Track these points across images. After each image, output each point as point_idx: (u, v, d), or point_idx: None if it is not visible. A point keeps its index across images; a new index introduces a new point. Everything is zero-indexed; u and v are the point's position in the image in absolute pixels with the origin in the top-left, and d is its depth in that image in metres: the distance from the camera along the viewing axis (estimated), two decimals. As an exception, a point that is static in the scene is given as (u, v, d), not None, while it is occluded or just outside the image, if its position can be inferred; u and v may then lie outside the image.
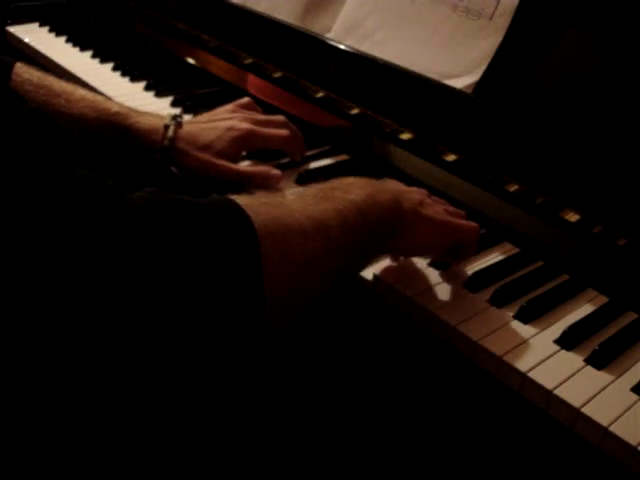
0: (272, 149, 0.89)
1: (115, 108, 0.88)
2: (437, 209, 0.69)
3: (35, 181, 0.40)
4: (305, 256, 0.52)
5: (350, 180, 0.63)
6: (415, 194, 0.69)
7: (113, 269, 0.41)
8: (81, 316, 0.40)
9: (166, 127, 0.84)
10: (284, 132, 0.88)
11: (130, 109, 0.89)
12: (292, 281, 0.51)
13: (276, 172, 0.84)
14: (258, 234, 0.47)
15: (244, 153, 0.89)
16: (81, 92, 0.90)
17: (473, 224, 0.72)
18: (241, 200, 0.50)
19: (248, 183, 0.83)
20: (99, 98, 0.91)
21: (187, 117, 0.89)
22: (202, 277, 0.44)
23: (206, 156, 0.82)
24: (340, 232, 0.55)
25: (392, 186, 0.68)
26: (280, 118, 0.90)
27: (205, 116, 0.90)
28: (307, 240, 0.52)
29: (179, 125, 0.85)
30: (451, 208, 0.74)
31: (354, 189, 0.60)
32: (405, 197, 0.65)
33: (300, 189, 0.59)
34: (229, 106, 0.91)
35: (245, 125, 0.85)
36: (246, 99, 0.93)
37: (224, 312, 0.45)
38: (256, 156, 0.90)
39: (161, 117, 0.87)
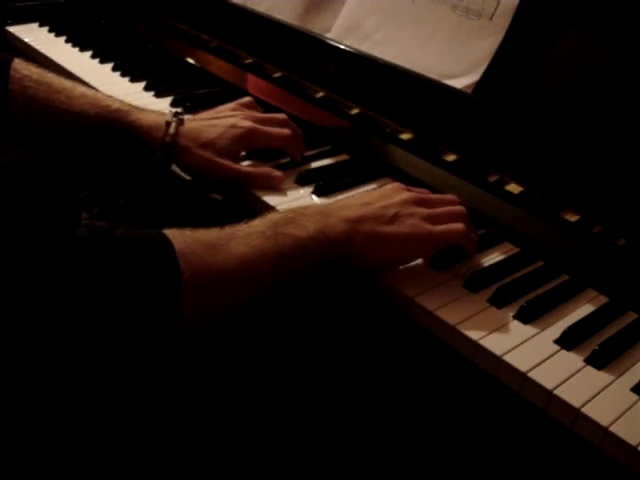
0: (272, 148, 0.89)
1: (116, 105, 0.88)
2: (412, 221, 0.69)
3: None
4: (226, 301, 0.58)
5: (310, 211, 0.66)
6: (390, 208, 0.69)
7: (47, 288, 0.49)
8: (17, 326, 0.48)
9: (168, 124, 0.84)
10: (285, 131, 0.88)
11: (131, 106, 0.89)
12: (208, 318, 0.57)
13: (278, 174, 0.85)
14: (182, 283, 0.54)
15: (243, 153, 0.89)
16: (81, 89, 0.90)
17: (456, 227, 0.71)
18: (178, 243, 0.55)
19: (249, 184, 0.84)
20: (100, 95, 0.91)
21: (187, 117, 0.89)
22: (121, 309, 0.52)
23: (208, 154, 0.83)
24: (273, 274, 0.60)
25: (356, 212, 0.68)
26: (281, 116, 0.91)
27: (207, 114, 0.90)
28: (234, 287, 0.58)
29: (181, 122, 0.85)
30: (439, 211, 0.72)
31: (307, 223, 0.64)
32: (362, 228, 0.66)
33: (257, 220, 0.64)
34: (231, 104, 0.91)
35: (247, 123, 0.86)
36: (247, 98, 0.93)
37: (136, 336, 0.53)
38: (256, 156, 0.90)
39: (162, 114, 0.87)
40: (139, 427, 0.75)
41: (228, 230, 0.61)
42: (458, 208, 0.74)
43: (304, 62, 1.03)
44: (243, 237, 0.60)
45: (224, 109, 0.90)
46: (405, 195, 0.72)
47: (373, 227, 0.67)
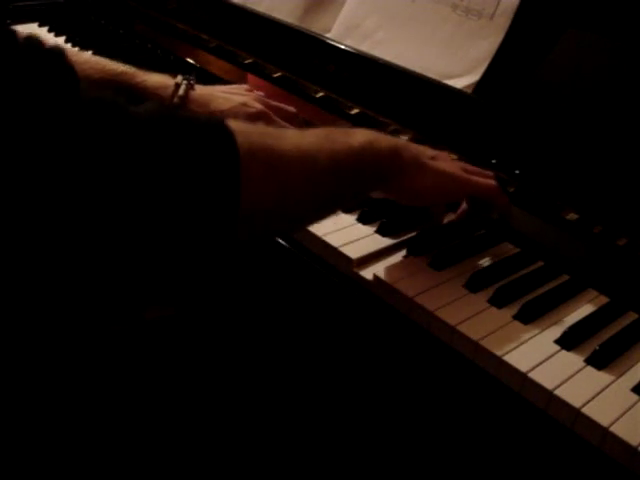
0: None
1: (121, 68, 0.88)
2: (451, 165, 0.71)
3: (44, 101, 0.44)
4: (286, 182, 0.55)
5: (356, 129, 0.66)
6: (430, 151, 0.72)
7: (113, 167, 0.46)
8: (83, 211, 0.45)
9: (177, 85, 0.84)
10: (290, 127, 0.90)
11: (136, 69, 0.89)
12: (269, 197, 0.54)
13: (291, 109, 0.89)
14: (240, 153, 0.51)
15: None
16: (85, 55, 0.90)
17: (489, 182, 0.74)
18: (236, 125, 0.53)
19: None
20: (103, 60, 0.90)
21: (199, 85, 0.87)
22: (185, 182, 0.48)
23: None
24: (327, 166, 0.59)
25: (401, 140, 0.71)
26: (291, 109, 0.93)
27: (219, 87, 0.90)
28: (291, 170, 0.56)
29: (191, 86, 0.84)
30: (471, 167, 0.75)
31: (356, 135, 0.64)
32: (409, 149, 0.68)
33: (306, 131, 0.62)
34: (245, 85, 0.92)
35: (259, 105, 0.87)
36: (261, 92, 0.94)
37: (202, 216, 0.49)
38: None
39: (170, 77, 0.86)
40: (139, 426, 0.75)
41: (279, 129, 0.62)
42: (491, 175, 0.76)
43: (304, 62, 1.03)
44: (297, 134, 0.60)
45: (238, 87, 0.91)
46: (444, 152, 0.74)
47: (418, 154, 0.69)
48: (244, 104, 0.86)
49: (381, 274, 0.72)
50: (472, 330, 0.65)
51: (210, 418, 0.90)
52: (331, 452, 0.94)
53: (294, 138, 0.58)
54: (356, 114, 0.96)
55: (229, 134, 0.51)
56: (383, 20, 1.00)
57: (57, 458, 0.65)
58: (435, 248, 0.76)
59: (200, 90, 0.86)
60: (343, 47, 0.98)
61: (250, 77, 1.12)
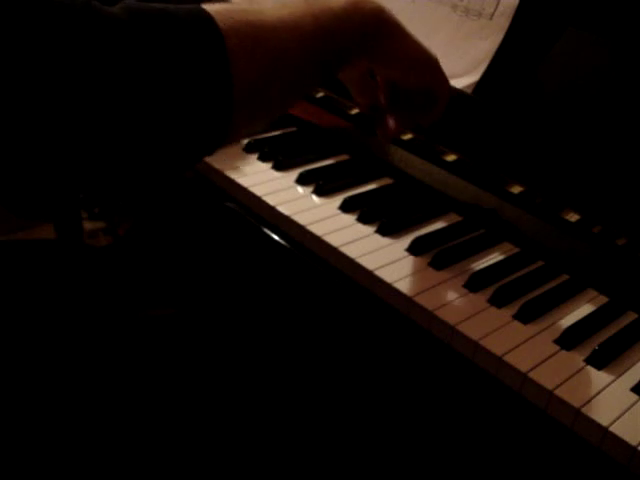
0: None
1: None
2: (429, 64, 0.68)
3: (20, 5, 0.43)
4: (274, 50, 0.55)
5: None
6: None
7: (92, 66, 0.44)
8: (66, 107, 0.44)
9: None
10: None
11: None
12: (261, 70, 0.54)
13: None
14: (223, 33, 0.51)
15: None
16: None
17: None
18: (214, 7, 0.52)
19: None
20: None
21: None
22: (173, 70, 0.48)
23: None
24: (312, 31, 0.58)
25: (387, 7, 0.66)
26: None
27: None
28: (278, 38, 0.55)
29: None
30: None
31: None
32: (394, 16, 0.65)
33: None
34: None
35: None
36: None
37: (195, 98, 0.49)
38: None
39: None
40: (140, 426, 0.75)
41: (257, 6, 0.59)
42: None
43: (304, 62, 1.03)
44: (277, 6, 0.58)
45: None
46: None
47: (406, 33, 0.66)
48: None
49: (380, 274, 0.72)
50: (472, 330, 0.65)
51: (210, 417, 0.90)
52: (331, 451, 0.94)
53: (274, 10, 0.57)
54: (356, 114, 0.96)
55: (209, 18, 0.51)
56: (383, 20, 1.00)
57: (56, 456, 0.65)
58: (435, 247, 0.76)
59: None
60: (343, 47, 0.98)
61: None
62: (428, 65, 0.69)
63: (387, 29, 0.65)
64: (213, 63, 0.50)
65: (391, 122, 0.76)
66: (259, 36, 0.54)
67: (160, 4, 0.51)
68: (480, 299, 0.70)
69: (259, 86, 0.54)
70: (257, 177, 0.88)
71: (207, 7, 0.52)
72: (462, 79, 0.89)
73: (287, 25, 0.56)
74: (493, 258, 0.77)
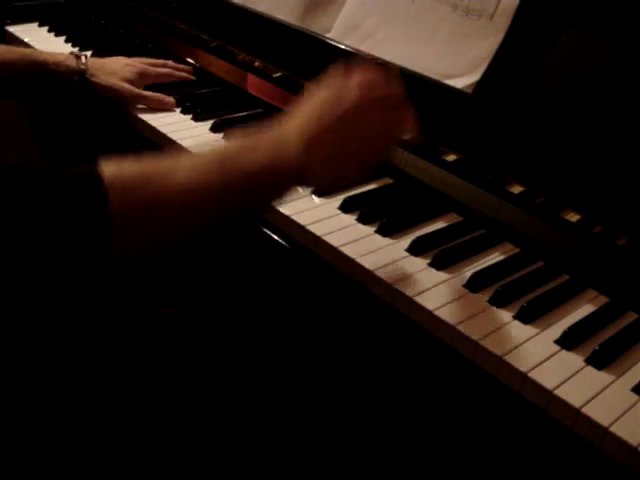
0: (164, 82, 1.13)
1: (28, 50, 1.13)
2: (370, 134, 0.66)
3: None
4: (165, 230, 0.57)
5: (264, 142, 0.63)
6: (344, 121, 0.65)
7: None
8: None
9: (78, 57, 1.08)
10: (167, 70, 1.16)
11: (40, 50, 1.15)
12: (148, 246, 0.57)
13: (170, 99, 1.07)
14: (111, 208, 0.53)
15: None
16: (2, 46, 1.10)
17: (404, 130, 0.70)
18: (116, 173, 0.55)
19: (144, 104, 1.06)
20: (12, 46, 1.15)
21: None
22: (52, 246, 0.51)
23: (113, 79, 1.07)
24: (218, 209, 0.60)
25: (308, 130, 0.64)
26: (160, 61, 1.18)
27: (105, 58, 1.15)
28: (171, 216, 0.57)
29: (86, 57, 1.09)
30: (396, 115, 0.70)
31: (257, 155, 0.61)
32: (320, 148, 0.63)
33: (208, 149, 0.61)
34: (123, 57, 1.16)
35: (139, 64, 1.13)
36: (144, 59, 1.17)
37: (71, 263, 0.53)
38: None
39: (65, 53, 1.11)
40: (140, 426, 0.75)
41: (172, 160, 0.60)
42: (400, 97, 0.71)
43: (304, 62, 1.03)
44: (186, 169, 0.59)
45: (120, 57, 1.15)
46: (358, 92, 0.66)
47: (330, 151, 0.64)
48: (127, 64, 1.11)
49: (380, 274, 0.72)
50: (472, 330, 0.65)
51: (211, 417, 0.90)
52: (331, 450, 0.94)
53: (183, 173, 0.58)
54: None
55: (102, 191, 0.53)
56: (383, 20, 1.00)
57: (56, 456, 0.65)
58: (435, 248, 0.76)
59: (93, 59, 1.10)
60: (343, 47, 0.98)
61: (250, 77, 1.12)
62: (366, 168, 0.69)
63: (308, 175, 0.64)
64: (92, 237, 0.53)
65: None
66: (152, 212, 0.56)
67: (57, 167, 0.54)
68: (480, 299, 0.70)
69: (141, 252, 0.57)
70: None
71: (111, 172, 0.54)
72: (462, 79, 0.89)
73: (187, 198, 0.57)
74: (493, 258, 0.77)
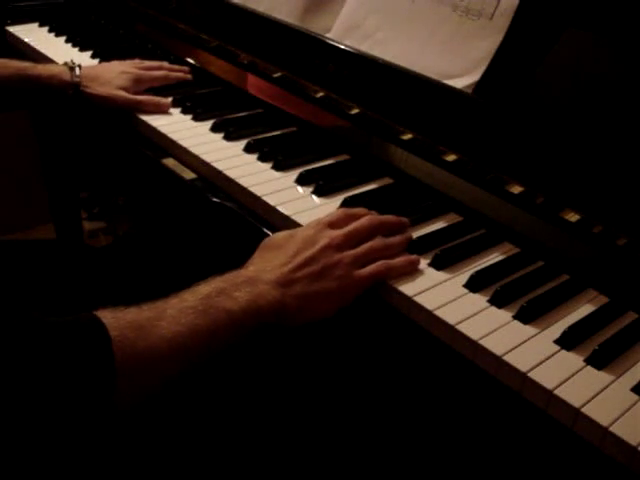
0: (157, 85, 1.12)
1: (23, 64, 1.11)
2: (339, 273, 0.69)
3: None
4: (158, 379, 0.61)
5: (240, 280, 0.67)
6: (313, 261, 0.69)
7: None
8: None
9: (72, 69, 1.07)
10: (163, 72, 1.14)
11: (35, 64, 1.12)
12: (140, 394, 0.60)
13: (165, 101, 1.06)
14: (117, 367, 0.56)
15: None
16: None
17: (382, 266, 0.71)
18: (112, 327, 0.57)
19: (141, 109, 1.05)
20: (6, 60, 1.10)
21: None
22: (56, 398, 0.54)
23: (107, 89, 1.07)
24: (205, 350, 0.63)
25: (285, 274, 0.69)
26: (155, 63, 1.17)
27: (99, 65, 1.18)
28: (162, 369, 0.60)
29: (80, 67, 1.08)
30: (362, 250, 0.72)
31: (238, 294, 0.65)
32: (294, 284, 0.68)
33: (188, 292, 0.65)
34: (118, 61, 1.16)
35: (134, 69, 1.12)
36: (137, 60, 1.17)
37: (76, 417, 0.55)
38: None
39: (58, 64, 1.12)
40: (140, 430, 0.75)
41: (160, 307, 0.62)
42: (375, 225, 0.75)
43: (304, 62, 1.03)
44: (175, 315, 0.62)
45: (114, 62, 1.15)
46: (327, 239, 0.71)
47: (303, 288, 0.68)
48: (122, 72, 1.10)
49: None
50: (472, 330, 0.65)
51: (211, 416, 0.90)
52: (331, 450, 0.94)
53: (167, 326, 0.60)
54: (356, 114, 0.96)
55: (109, 349, 0.56)
56: (383, 20, 1.00)
57: (55, 455, 0.65)
58: (435, 247, 0.76)
59: (85, 70, 1.09)
60: (343, 47, 0.98)
61: (250, 77, 1.12)
62: (341, 300, 0.70)
63: (287, 311, 0.67)
64: (98, 394, 0.56)
65: None
66: (144, 369, 0.59)
67: (56, 319, 0.56)
68: (480, 299, 0.70)
69: (137, 397, 0.60)
70: (257, 177, 0.88)
71: (103, 317, 0.58)
72: (462, 79, 0.89)
73: (173, 349, 0.60)
74: (493, 258, 0.77)
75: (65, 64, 1.09)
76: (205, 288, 0.65)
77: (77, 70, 1.08)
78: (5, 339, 0.52)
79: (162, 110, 1.05)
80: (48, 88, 1.08)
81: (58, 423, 0.54)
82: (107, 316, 0.58)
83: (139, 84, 1.10)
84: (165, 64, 1.18)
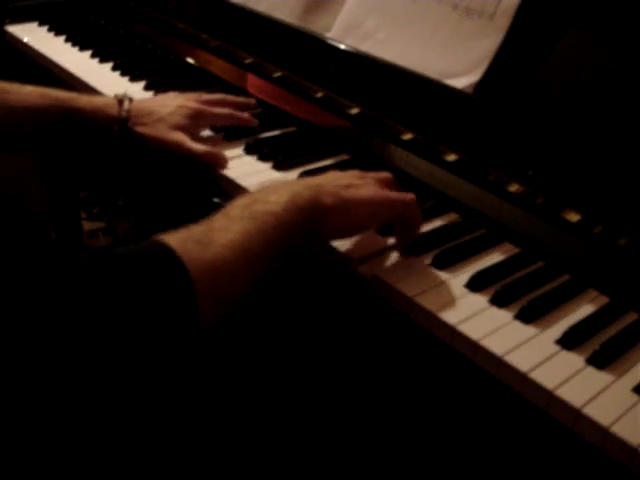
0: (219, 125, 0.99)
1: (65, 94, 0.93)
2: (367, 189, 0.72)
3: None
4: (233, 286, 0.61)
5: (271, 188, 0.69)
6: (341, 179, 0.72)
7: (66, 318, 0.50)
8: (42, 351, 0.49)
9: (121, 102, 0.92)
10: (226, 111, 0.97)
11: (78, 93, 0.96)
12: (221, 305, 0.60)
13: (224, 156, 0.91)
14: (192, 279, 0.56)
15: (210, 133, 0.98)
16: (29, 87, 0.94)
17: (408, 196, 0.74)
18: (175, 243, 0.58)
19: (198, 159, 0.90)
20: (48, 89, 0.95)
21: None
22: (143, 320, 0.53)
23: (162, 128, 0.91)
24: (263, 251, 0.63)
25: (315, 180, 0.72)
26: (219, 96, 1.01)
27: (154, 98, 1.03)
28: (234, 274, 0.60)
29: (131, 100, 0.93)
30: (385, 179, 0.76)
31: (273, 197, 0.66)
32: (326, 189, 0.70)
33: (226, 209, 0.66)
34: (174, 93, 1.00)
35: (194, 104, 0.95)
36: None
37: (164, 336, 0.55)
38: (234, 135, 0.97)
39: (109, 96, 0.96)
40: (140, 428, 0.75)
41: (207, 223, 0.63)
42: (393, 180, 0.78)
43: (304, 62, 1.03)
44: (224, 226, 0.62)
45: (172, 95, 0.99)
46: (349, 173, 0.75)
47: (337, 192, 0.70)
48: (180, 106, 0.94)
49: (381, 274, 0.72)
50: (472, 330, 0.65)
51: (211, 416, 0.90)
52: (331, 450, 0.94)
53: (222, 235, 0.61)
54: (356, 114, 0.96)
55: (182, 266, 0.56)
56: (383, 20, 1.00)
57: (54, 456, 0.65)
58: (435, 247, 0.76)
59: (139, 103, 0.94)
60: (343, 47, 0.98)
61: (250, 77, 1.11)
62: (374, 213, 0.73)
63: (324, 214, 0.69)
64: (182, 314, 0.55)
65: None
66: (218, 278, 0.59)
67: (123, 248, 0.56)
68: (481, 299, 0.70)
69: (218, 309, 0.60)
70: (257, 177, 0.88)
71: (165, 239, 0.58)
72: (462, 79, 0.89)
73: (238, 255, 0.61)
74: (494, 258, 0.77)
75: (115, 96, 0.94)
76: (241, 201, 0.66)
77: (127, 103, 0.92)
78: (82, 278, 0.51)
79: (219, 166, 0.90)
80: (92, 123, 0.92)
81: (153, 349, 0.54)
82: (169, 238, 0.58)
83: (198, 121, 0.95)
84: (228, 98, 1.01)
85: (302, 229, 0.67)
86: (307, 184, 0.70)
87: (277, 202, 0.65)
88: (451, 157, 0.85)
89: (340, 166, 0.94)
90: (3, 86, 0.92)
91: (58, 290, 0.50)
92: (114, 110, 0.91)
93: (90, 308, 0.50)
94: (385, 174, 0.78)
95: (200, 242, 0.59)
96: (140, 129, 0.91)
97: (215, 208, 0.88)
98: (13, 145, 0.97)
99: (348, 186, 0.71)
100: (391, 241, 0.77)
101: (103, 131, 0.92)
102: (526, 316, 0.67)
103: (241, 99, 1.01)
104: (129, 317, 0.52)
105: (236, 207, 0.65)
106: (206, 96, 0.99)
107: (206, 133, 0.99)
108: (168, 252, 0.56)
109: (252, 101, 1.02)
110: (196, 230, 0.61)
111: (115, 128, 0.91)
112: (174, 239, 0.58)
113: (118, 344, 0.52)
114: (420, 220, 0.76)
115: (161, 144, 0.91)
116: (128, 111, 0.91)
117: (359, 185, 0.72)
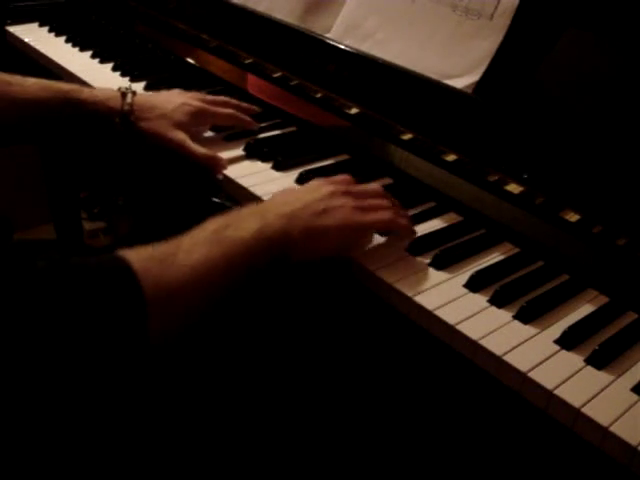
0: (221, 125, 0.98)
1: (67, 86, 0.94)
2: (342, 214, 0.70)
3: None
4: (186, 309, 0.61)
5: (244, 213, 0.68)
6: (318, 203, 0.71)
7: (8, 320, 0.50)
8: None
9: (124, 95, 0.92)
10: (229, 111, 0.97)
11: (81, 85, 0.97)
12: (173, 326, 0.60)
13: (223, 161, 0.90)
14: (146, 297, 0.56)
15: (210, 133, 0.98)
16: (32, 79, 0.94)
17: (385, 215, 0.73)
18: (136, 260, 0.57)
19: (196, 161, 0.90)
20: (50, 81, 0.95)
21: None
22: (83, 330, 0.53)
23: (164, 124, 0.91)
24: (224, 279, 0.63)
25: (290, 207, 0.70)
26: (222, 98, 0.99)
27: (158, 93, 1.00)
28: (190, 299, 0.60)
29: (134, 94, 0.93)
30: (366, 203, 0.73)
31: (245, 225, 0.66)
32: (297, 222, 0.69)
33: (197, 229, 0.65)
34: (178, 90, 1.00)
35: (197, 103, 0.95)
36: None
37: (110, 352, 0.55)
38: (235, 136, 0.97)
39: (112, 89, 0.95)
40: (138, 426, 0.75)
41: (173, 243, 0.63)
42: (381, 192, 0.77)
43: (304, 62, 1.03)
44: (190, 248, 0.62)
45: (175, 92, 0.98)
46: (331, 187, 0.73)
47: (307, 221, 0.69)
48: (183, 104, 0.93)
49: (381, 274, 0.72)
50: (472, 329, 0.65)
51: (211, 416, 0.90)
52: (331, 450, 0.94)
53: (186, 257, 0.61)
54: (356, 114, 0.96)
55: (136, 282, 0.56)
56: (383, 20, 1.00)
57: (53, 456, 0.65)
58: (435, 247, 0.76)
59: (142, 97, 0.94)
60: (343, 47, 0.98)
61: (250, 77, 1.12)
62: (348, 239, 0.72)
63: (294, 244, 0.68)
64: (131, 330, 0.56)
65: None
66: (172, 300, 0.59)
67: (80, 259, 0.57)
68: (480, 299, 0.70)
69: (169, 328, 0.60)
70: (257, 177, 0.88)
71: (126, 255, 0.58)
72: (462, 79, 0.89)
73: (196, 278, 0.61)
74: (493, 258, 0.77)
75: (118, 89, 0.93)
76: (211, 225, 0.66)
77: (129, 97, 0.92)
78: (35, 282, 0.52)
79: (217, 171, 0.90)
80: (93, 116, 0.92)
81: (99, 361, 0.54)
82: (130, 254, 0.58)
83: (200, 119, 0.95)
84: (232, 101, 1.00)
85: (269, 258, 0.67)
86: (280, 213, 0.69)
87: (246, 230, 0.65)
88: (451, 157, 0.85)
89: (340, 166, 0.94)
90: (6, 78, 0.92)
91: (3, 290, 0.51)
92: (116, 103, 0.91)
93: (32, 311, 0.51)
94: (374, 187, 0.77)
95: (162, 262, 0.59)
96: (142, 123, 0.91)
97: (215, 208, 0.88)
98: (15, 137, 0.98)
99: (324, 211, 0.70)
100: (391, 241, 0.77)
101: (104, 123, 0.91)
102: (525, 316, 0.67)
103: (244, 104, 1.01)
104: (69, 325, 0.52)
105: (207, 230, 0.65)
106: (210, 97, 0.99)
107: (207, 133, 0.99)
108: (124, 268, 0.57)
109: (255, 108, 1.02)
110: (161, 249, 0.61)
111: (117, 120, 0.91)
112: (136, 256, 0.58)
113: (57, 349, 0.52)
114: (408, 227, 0.76)
115: (161, 141, 0.90)
116: (131, 104, 0.91)
117: (335, 209, 0.70)
